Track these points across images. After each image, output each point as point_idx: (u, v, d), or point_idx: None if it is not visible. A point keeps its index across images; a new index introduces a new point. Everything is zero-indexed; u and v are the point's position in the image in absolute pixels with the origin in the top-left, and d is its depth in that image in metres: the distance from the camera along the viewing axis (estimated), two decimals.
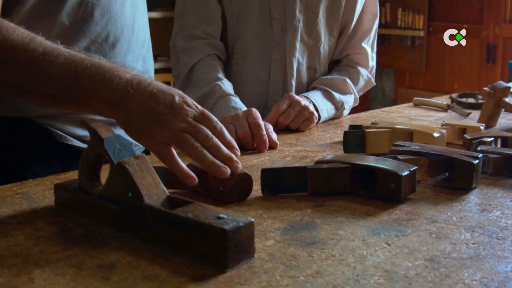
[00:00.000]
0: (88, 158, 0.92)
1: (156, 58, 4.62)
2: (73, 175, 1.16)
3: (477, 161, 1.09)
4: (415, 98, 2.04)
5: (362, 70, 1.83)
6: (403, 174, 0.99)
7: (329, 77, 1.77)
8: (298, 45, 1.71)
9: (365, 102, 5.56)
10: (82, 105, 1.02)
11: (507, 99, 1.67)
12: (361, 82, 1.83)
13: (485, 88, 1.72)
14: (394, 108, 1.98)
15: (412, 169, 1.02)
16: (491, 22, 4.70)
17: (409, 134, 1.31)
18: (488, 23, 4.73)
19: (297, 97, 1.58)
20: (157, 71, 4.46)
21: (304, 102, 1.58)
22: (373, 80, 1.88)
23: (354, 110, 1.88)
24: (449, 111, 1.92)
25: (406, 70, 5.30)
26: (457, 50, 4.96)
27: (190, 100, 1.01)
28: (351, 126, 1.44)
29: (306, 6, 1.69)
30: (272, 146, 1.37)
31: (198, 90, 1.61)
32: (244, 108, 1.53)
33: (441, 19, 5.04)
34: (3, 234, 0.86)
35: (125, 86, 0.98)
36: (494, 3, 4.66)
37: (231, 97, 1.57)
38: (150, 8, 4.59)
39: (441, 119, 1.76)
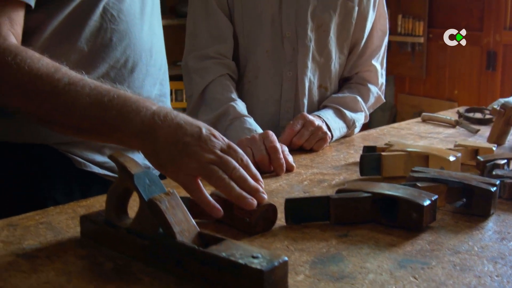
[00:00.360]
0: (117, 191, 0.93)
1: None
2: (94, 202, 1.18)
3: (495, 188, 1.12)
4: (423, 114, 2.05)
5: (372, 88, 1.85)
6: (425, 204, 1.01)
7: (340, 95, 1.79)
8: (309, 64, 1.73)
9: None
10: (107, 136, 1.04)
11: None
12: (371, 100, 1.85)
13: (495, 106, 1.75)
14: (403, 124, 2.00)
15: (433, 198, 1.04)
16: (491, 29, 4.73)
17: (425, 158, 1.33)
18: (488, 30, 4.75)
19: (310, 117, 1.60)
20: None
21: (317, 122, 1.60)
22: (382, 97, 1.90)
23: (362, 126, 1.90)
24: (457, 127, 1.94)
25: (406, 76, 5.32)
26: (457, 56, 4.99)
27: (216, 132, 1.02)
28: (365, 148, 1.46)
29: (318, 25, 1.71)
30: (289, 169, 1.39)
31: (212, 111, 1.63)
32: (259, 129, 1.55)
33: (442, 25, 5.06)
34: (33, 269, 0.87)
35: (152, 117, 0.99)
36: (494, 10, 4.69)
37: (245, 118, 1.59)
38: None
39: (450, 136, 1.79)
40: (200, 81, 1.68)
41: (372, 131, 1.88)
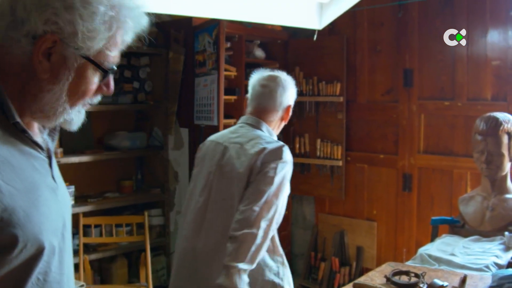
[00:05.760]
0: None
1: (86, 199, 4.70)
2: None
3: None
4: (354, 282, 2.24)
5: None
6: None
7: None
8: None
9: (287, 227, 5.79)
10: None
11: None
12: None
13: (421, 286, 1.96)
14: None
15: None
16: (406, 153, 5.08)
17: None
18: (403, 154, 5.11)
19: None
20: (86, 214, 4.54)
21: None
22: None
23: None
24: None
25: (326, 197, 5.59)
26: (374, 178, 5.32)
27: None
28: None
29: None
30: None
31: None
32: None
33: (359, 149, 5.40)
34: None
35: None
36: (408, 135, 5.06)
37: None
38: (79, 151, 4.66)
39: None
40: None
41: None
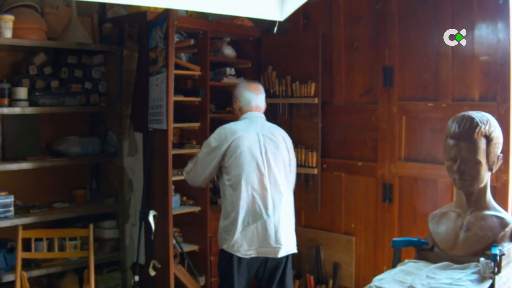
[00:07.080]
0: None
1: (29, 210, 4.16)
2: None
3: None
4: None
5: None
6: None
7: None
8: None
9: None
10: None
11: None
12: None
13: None
14: None
15: None
16: (386, 160, 4.51)
17: None
18: (383, 161, 4.53)
19: None
20: (29, 226, 4.07)
21: None
22: None
23: None
24: None
25: (301, 208, 5.01)
26: (352, 188, 4.78)
27: None
28: None
29: None
30: None
31: None
32: None
33: (336, 155, 4.85)
34: None
35: None
36: (388, 141, 4.49)
37: None
38: (22, 158, 4.10)
39: None
40: None
41: None
